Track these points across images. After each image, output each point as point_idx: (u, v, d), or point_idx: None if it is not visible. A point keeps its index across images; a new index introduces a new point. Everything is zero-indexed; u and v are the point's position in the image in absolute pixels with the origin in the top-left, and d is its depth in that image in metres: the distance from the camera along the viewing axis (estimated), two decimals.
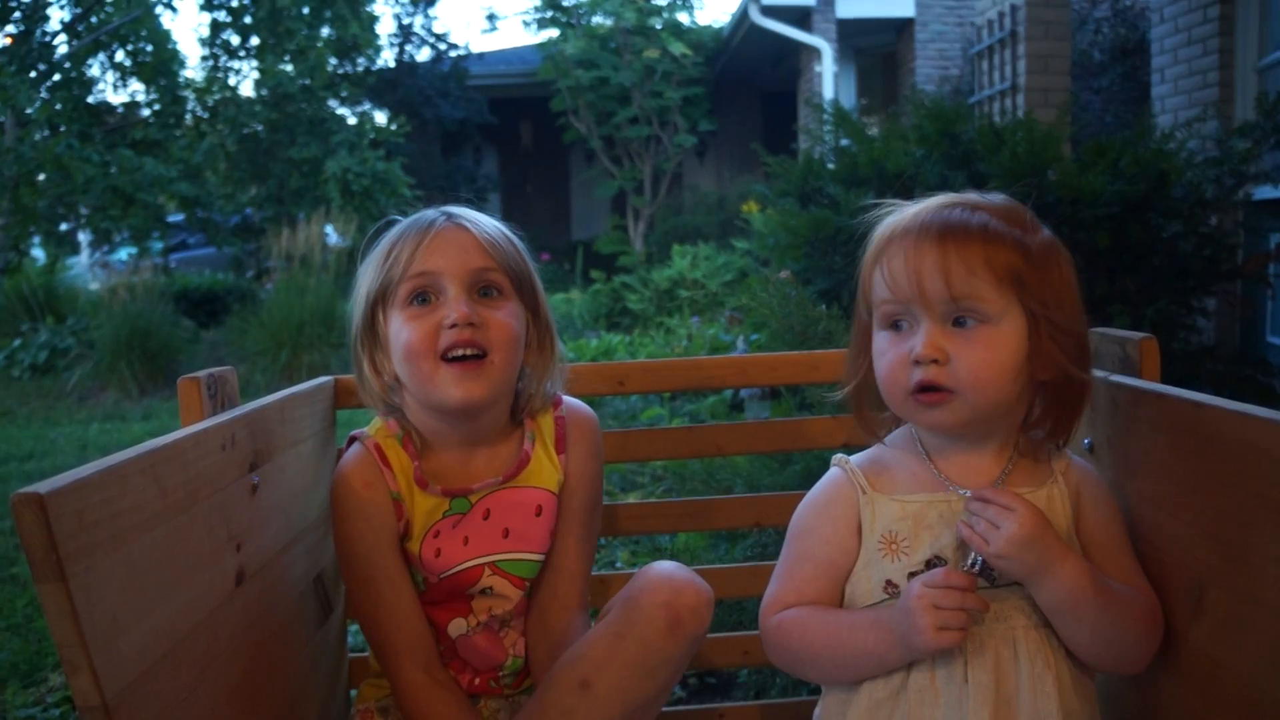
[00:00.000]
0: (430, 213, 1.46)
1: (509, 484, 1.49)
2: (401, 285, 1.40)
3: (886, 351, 1.21)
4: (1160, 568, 1.23)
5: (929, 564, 1.20)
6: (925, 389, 1.17)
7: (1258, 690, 1.05)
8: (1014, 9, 6.40)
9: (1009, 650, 1.18)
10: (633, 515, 1.78)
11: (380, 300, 1.43)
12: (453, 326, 1.35)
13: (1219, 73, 5.49)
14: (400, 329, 1.39)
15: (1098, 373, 1.39)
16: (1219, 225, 3.76)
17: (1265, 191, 4.96)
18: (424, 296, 1.39)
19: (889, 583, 1.22)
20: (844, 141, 4.27)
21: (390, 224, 1.49)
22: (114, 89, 12.11)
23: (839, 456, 1.32)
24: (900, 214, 1.25)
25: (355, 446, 1.49)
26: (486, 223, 1.46)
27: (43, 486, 0.86)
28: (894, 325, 1.21)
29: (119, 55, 11.65)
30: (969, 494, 1.19)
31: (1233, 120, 5.05)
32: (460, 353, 1.37)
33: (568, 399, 1.57)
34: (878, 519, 1.24)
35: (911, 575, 1.20)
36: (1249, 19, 5.44)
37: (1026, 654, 1.17)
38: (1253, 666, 1.06)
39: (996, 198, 1.24)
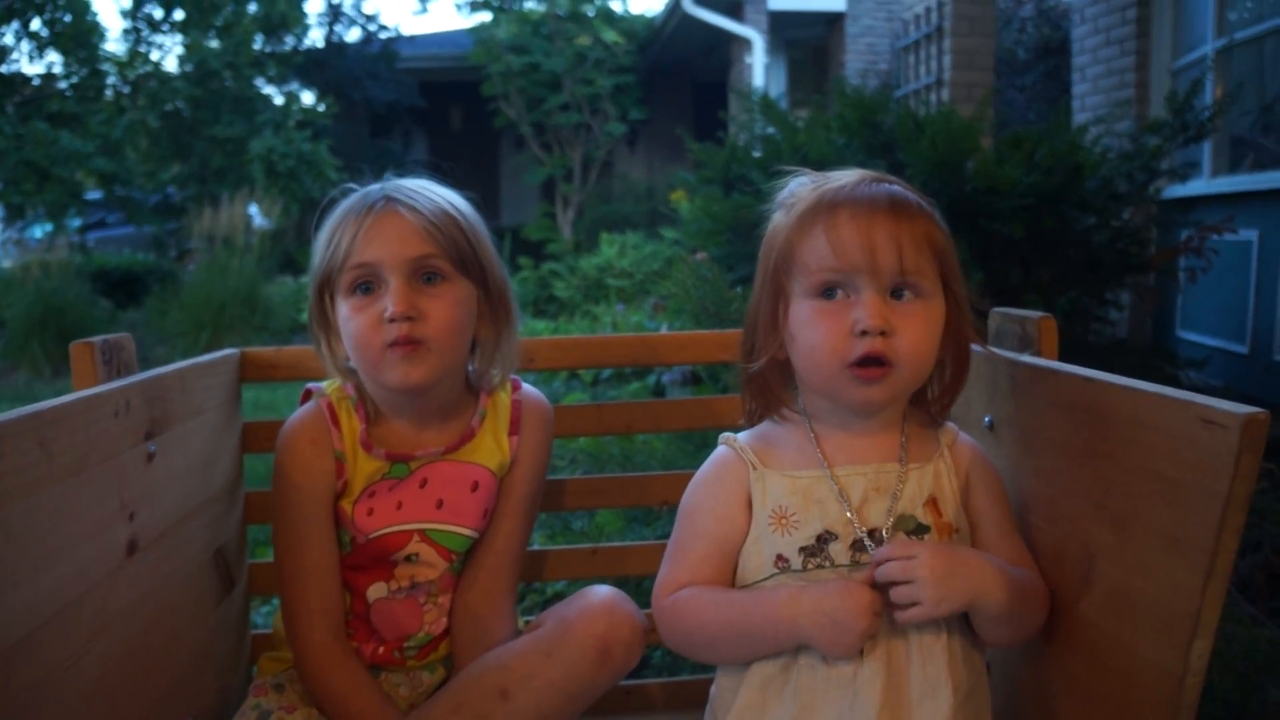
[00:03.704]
0: (373, 192, 1.43)
1: (449, 456, 1.48)
2: (343, 275, 1.38)
3: (818, 321, 1.18)
4: (1053, 541, 1.25)
5: (819, 539, 1.20)
6: (867, 363, 1.15)
7: (1141, 658, 1.07)
8: (940, 5, 6.49)
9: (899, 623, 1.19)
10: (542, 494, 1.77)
11: (326, 284, 1.42)
12: (391, 320, 1.34)
13: (1135, 73, 5.63)
14: (347, 319, 1.39)
15: (999, 351, 1.42)
16: (1131, 219, 3.85)
17: (1175, 189, 5.10)
18: (366, 285, 1.38)
19: (779, 556, 1.21)
20: (769, 130, 4.30)
21: (345, 193, 1.46)
22: (29, 59, 11.73)
23: (726, 435, 1.32)
24: (830, 183, 1.23)
25: (309, 402, 1.49)
26: (427, 202, 1.41)
27: None
28: (825, 294, 1.19)
29: (35, 24, 11.32)
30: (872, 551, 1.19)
31: (1148, 119, 5.18)
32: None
33: (526, 386, 1.57)
34: (768, 494, 1.23)
35: (802, 550, 1.20)
36: (1164, 22, 5.58)
37: (915, 625, 1.19)
38: (1136, 635, 1.08)
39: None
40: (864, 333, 1.14)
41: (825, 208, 1.19)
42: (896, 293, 1.17)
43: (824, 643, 1.15)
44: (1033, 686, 1.32)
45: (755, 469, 1.25)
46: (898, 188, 1.21)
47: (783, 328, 1.23)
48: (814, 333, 1.18)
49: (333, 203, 1.46)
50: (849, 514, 1.20)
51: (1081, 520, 1.19)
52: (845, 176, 1.24)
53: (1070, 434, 1.22)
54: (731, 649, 1.24)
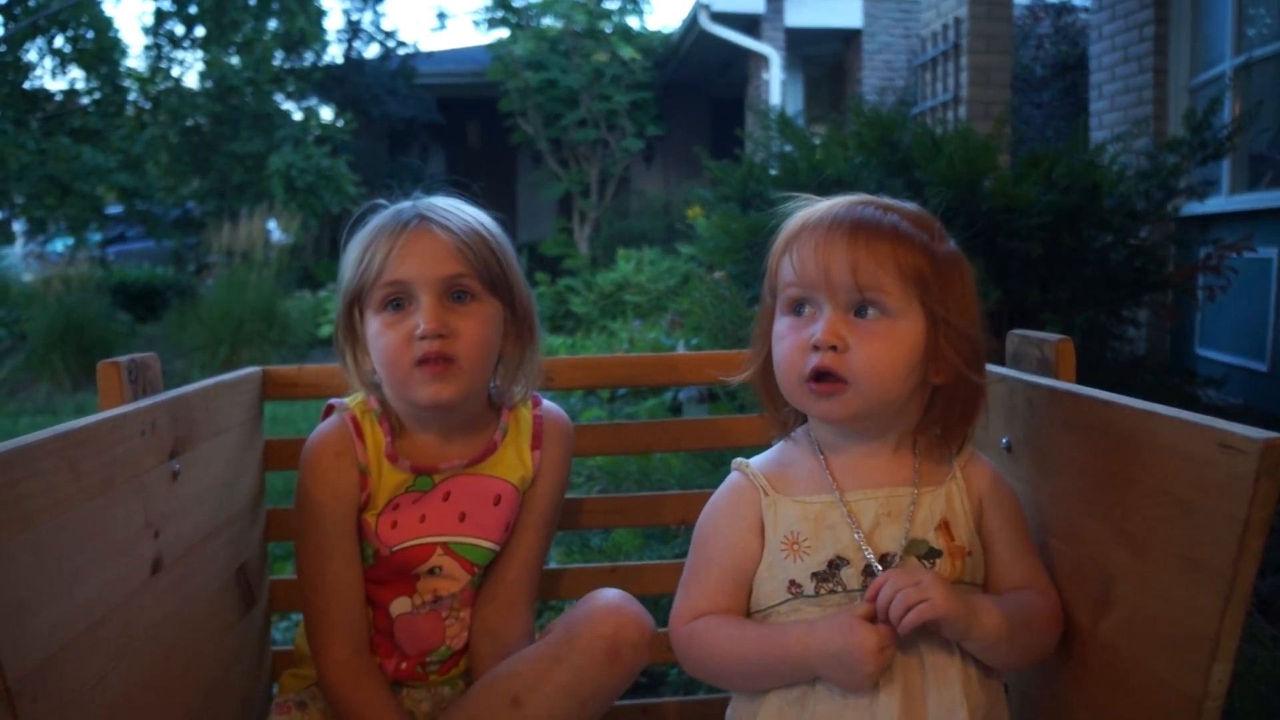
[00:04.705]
0: (406, 209, 1.45)
1: (472, 469, 1.50)
2: (375, 291, 1.40)
3: (786, 336, 1.22)
4: (1072, 564, 1.25)
5: (831, 564, 1.21)
6: (820, 378, 1.18)
7: (1160, 680, 1.07)
8: (957, 22, 6.49)
9: (912, 644, 1.19)
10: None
11: (357, 299, 1.44)
12: (423, 338, 1.36)
13: (1153, 90, 5.62)
14: (377, 334, 1.41)
15: (1016, 374, 1.42)
16: (1149, 237, 3.84)
17: (1193, 207, 5.09)
18: (398, 303, 1.40)
19: (792, 582, 1.22)
20: (786, 147, 4.31)
21: (374, 208, 1.48)
22: (52, 75, 11.87)
23: (738, 460, 1.33)
24: (814, 207, 1.26)
25: (333, 416, 1.50)
26: (460, 222, 1.43)
27: None
28: (796, 310, 1.23)
29: (58, 41, 11.44)
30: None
31: (1166, 137, 5.16)
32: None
33: (546, 402, 1.59)
34: (780, 520, 1.24)
35: (814, 575, 1.21)
36: (1182, 39, 5.58)
37: (929, 648, 1.19)
38: (1155, 657, 1.08)
39: (908, 205, 1.27)
40: (816, 347, 1.17)
41: (794, 231, 1.25)
42: (862, 310, 1.19)
43: (837, 681, 1.17)
44: (1051, 709, 1.32)
45: (767, 495, 1.26)
46: (873, 210, 1.22)
47: (767, 340, 1.28)
48: (781, 346, 1.23)
49: (363, 218, 1.48)
50: (859, 539, 1.21)
51: (1099, 542, 1.19)
52: (826, 201, 1.27)
53: (1088, 456, 1.22)
54: (747, 680, 1.26)
